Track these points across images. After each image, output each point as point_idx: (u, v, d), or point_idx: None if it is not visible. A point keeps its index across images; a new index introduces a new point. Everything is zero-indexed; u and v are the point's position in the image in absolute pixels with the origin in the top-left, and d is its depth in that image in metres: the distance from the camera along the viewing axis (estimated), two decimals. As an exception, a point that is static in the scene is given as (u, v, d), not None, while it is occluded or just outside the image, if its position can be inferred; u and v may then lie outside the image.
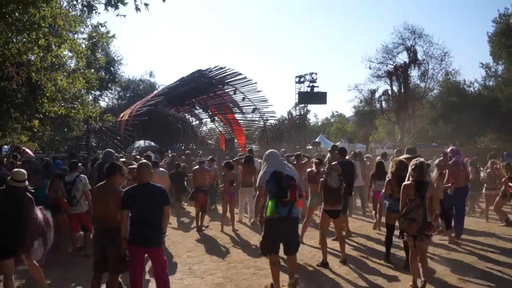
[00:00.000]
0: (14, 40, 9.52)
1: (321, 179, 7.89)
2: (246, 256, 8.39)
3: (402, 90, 37.55)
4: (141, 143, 27.29)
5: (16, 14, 8.57)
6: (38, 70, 11.31)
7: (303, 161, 12.34)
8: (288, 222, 5.98)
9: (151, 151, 16.04)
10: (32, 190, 6.24)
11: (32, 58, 10.75)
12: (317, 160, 9.76)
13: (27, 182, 6.03)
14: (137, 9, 7.49)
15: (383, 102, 40.20)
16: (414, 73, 37.80)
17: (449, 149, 10.07)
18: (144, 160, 6.91)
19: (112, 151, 10.10)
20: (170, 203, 5.78)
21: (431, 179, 8.28)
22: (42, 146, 25.70)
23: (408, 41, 36.72)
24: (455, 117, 33.32)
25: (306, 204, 9.43)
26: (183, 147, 32.43)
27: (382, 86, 39.61)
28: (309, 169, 9.86)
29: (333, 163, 8.05)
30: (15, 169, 6.40)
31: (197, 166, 11.71)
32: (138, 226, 5.40)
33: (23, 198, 5.91)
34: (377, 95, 39.72)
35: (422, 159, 6.49)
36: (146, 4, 7.49)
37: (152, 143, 27.60)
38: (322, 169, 9.15)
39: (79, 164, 9.36)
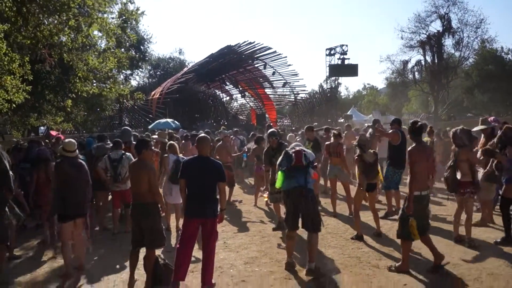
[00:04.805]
0: (46, 22, 9.61)
1: (355, 156, 7.92)
2: (280, 230, 8.41)
3: (436, 60, 36.61)
4: (162, 121, 27.45)
5: (47, -5, 8.66)
6: (70, 50, 11.44)
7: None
8: (305, 193, 5.98)
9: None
10: (83, 158, 6.91)
11: (64, 39, 10.84)
12: (335, 132, 9.81)
13: (77, 151, 6.63)
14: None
15: (416, 73, 39.41)
16: (448, 42, 36.79)
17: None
18: (203, 134, 6.95)
19: (129, 128, 10.25)
20: (226, 180, 5.84)
21: None
22: (76, 127, 26.19)
23: (442, 9, 35.63)
24: (492, 86, 32.42)
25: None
26: (214, 124, 32.62)
27: (415, 57, 39.03)
28: (327, 142, 9.90)
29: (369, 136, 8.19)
30: (66, 140, 6.88)
31: (221, 142, 11.63)
32: (194, 198, 5.51)
33: (79, 166, 6.47)
34: (409, 65, 38.94)
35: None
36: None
37: (176, 122, 27.72)
38: (340, 141, 9.69)
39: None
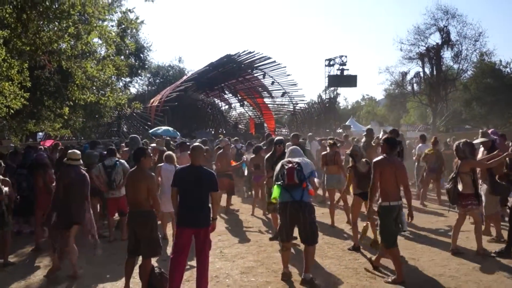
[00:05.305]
0: (45, 28, 9.65)
1: (348, 166, 8.00)
2: (276, 240, 8.36)
3: (434, 72, 36.69)
4: (162, 128, 27.35)
5: (47, 2, 8.69)
6: (69, 58, 11.46)
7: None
8: (302, 207, 5.92)
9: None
10: (85, 169, 7.13)
11: (63, 46, 10.86)
12: (331, 142, 9.81)
13: (81, 161, 6.80)
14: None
15: (415, 85, 39.44)
16: (447, 54, 36.81)
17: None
18: (197, 143, 6.91)
19: (136, 136, 10.29)
20: (218, 189, 5.83)
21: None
22: (74, 133, 26.14)
23: (441, 22, 35.71)
24: (490, 99, 32.46)
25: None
26: (213, 132, 32.59)
27: (414, 68, 38.99)
28: (323, 152, 10.02)
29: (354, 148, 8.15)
30: (70, 150, 7.04)
31: (221, 151, 11.56)
32: (186, 207, 5.47)
33: (82, 176, 6.64)
34: (408, 77, 39.01)
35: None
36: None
37: (176, 132, 27.64)
38: (337, 150, 9.75)
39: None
